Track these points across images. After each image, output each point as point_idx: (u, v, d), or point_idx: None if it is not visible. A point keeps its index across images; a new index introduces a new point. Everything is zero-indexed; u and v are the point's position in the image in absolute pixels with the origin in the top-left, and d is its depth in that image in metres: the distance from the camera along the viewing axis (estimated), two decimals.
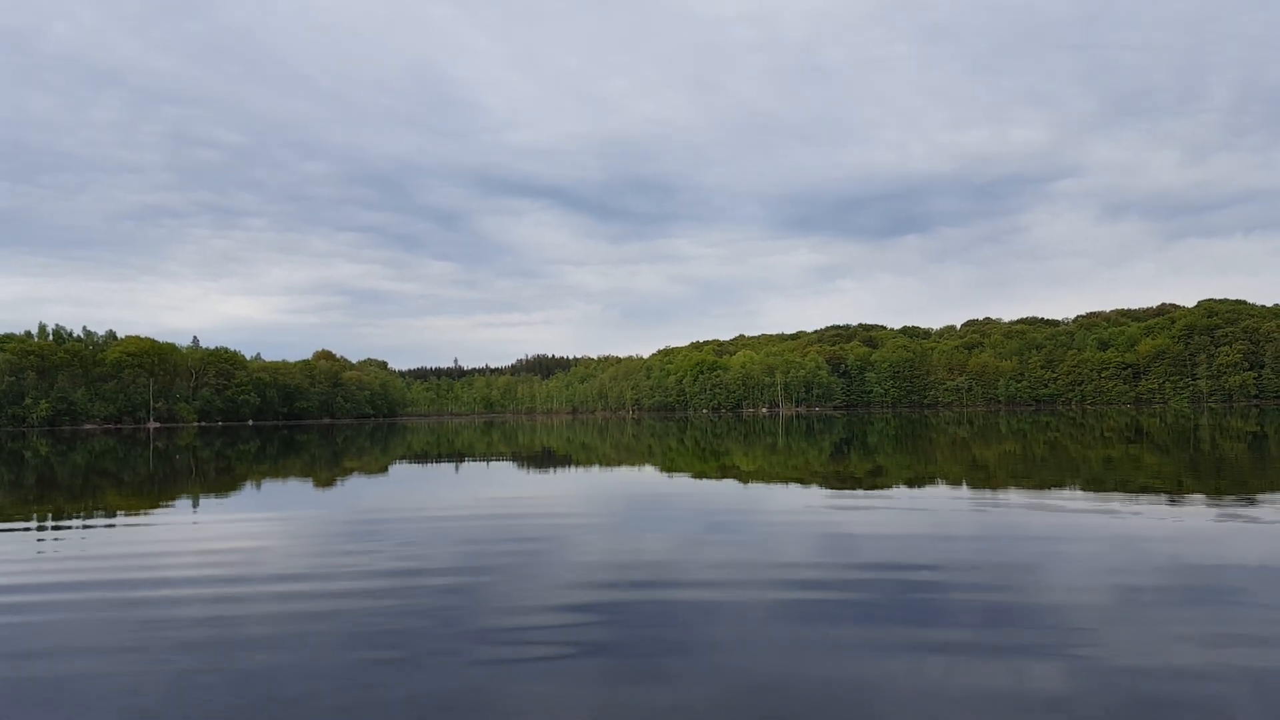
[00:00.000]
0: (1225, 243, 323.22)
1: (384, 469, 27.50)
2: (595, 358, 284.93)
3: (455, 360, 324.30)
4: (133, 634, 6.69)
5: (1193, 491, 15.25)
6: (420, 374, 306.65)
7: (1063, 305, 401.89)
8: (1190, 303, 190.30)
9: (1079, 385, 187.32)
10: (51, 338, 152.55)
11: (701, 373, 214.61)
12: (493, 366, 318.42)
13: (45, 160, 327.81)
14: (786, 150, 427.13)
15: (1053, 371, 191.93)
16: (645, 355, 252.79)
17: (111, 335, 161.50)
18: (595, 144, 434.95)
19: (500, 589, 8.12)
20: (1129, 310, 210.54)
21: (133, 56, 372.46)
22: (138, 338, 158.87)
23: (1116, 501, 13.91)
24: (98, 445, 53.81)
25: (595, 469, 25.62)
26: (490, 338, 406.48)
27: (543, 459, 31.56)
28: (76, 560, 10.24)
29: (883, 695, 5.05)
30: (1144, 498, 14.32)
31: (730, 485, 18.72)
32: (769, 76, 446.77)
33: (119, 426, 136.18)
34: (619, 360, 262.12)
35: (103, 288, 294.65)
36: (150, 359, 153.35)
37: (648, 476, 22.16)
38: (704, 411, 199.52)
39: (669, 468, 25.36)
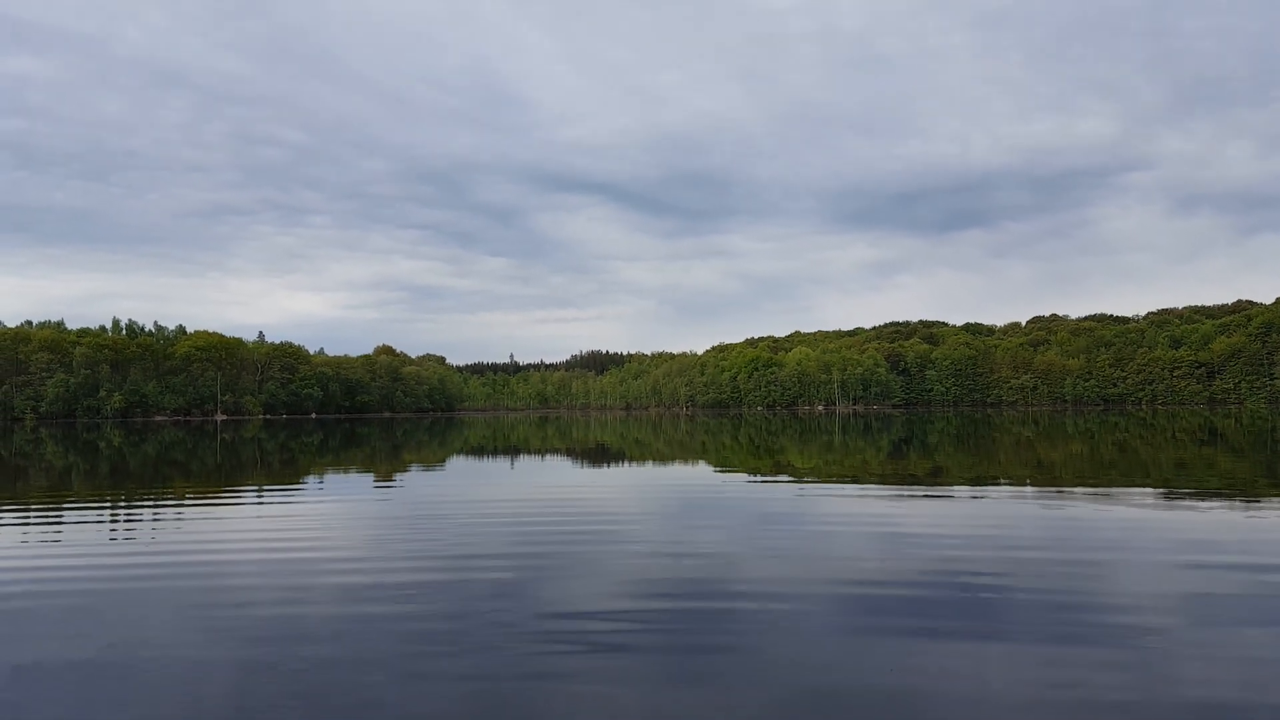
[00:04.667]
0: None
1: (442, 462, 27.90)
2: (649, 354, 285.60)
3: (511, 356, 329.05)
4: (196, 623, 6.88)
5: (1270, 496, 14.57)
6: (477, 369, 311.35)
7: (1131, 302, 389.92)
8: (1268, 299, 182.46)
9: (1149, 385, 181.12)
10: (125, 332, 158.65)
11: (756, 369, 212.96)
12: (547, 362, 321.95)
13: (116, 160, 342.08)
14: (842, 143, 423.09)
15: (1122, 370, 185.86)
16: (699, 351, 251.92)
17: (181, 330, 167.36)
18: (648, 138, 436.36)
19: (554, 585, 8.14)
20: (1202, 307, 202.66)
21: (198, 58, 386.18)
22: (206, 332, 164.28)
23: (1188, 505, 13.36)
24: (168, 436, 55.72)
25: (649, 465, 25.60)
26: (545, 333, 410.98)
27: (596, 454, 31.67)
28: (145, 550, 10.58)
29: (941, 704, 4.91)
30: (1217, 501, 13.73)
31: (785, 483, 18.50)
32: (824, 68, 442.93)
33: (188, 418, 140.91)
34: (672, 356, 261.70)
35: (172, 284, 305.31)
36: (218, 353, 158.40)
37: (701, 473, 22.05)
38: (758, 409, 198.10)
39: (723, 465, 25.20)
